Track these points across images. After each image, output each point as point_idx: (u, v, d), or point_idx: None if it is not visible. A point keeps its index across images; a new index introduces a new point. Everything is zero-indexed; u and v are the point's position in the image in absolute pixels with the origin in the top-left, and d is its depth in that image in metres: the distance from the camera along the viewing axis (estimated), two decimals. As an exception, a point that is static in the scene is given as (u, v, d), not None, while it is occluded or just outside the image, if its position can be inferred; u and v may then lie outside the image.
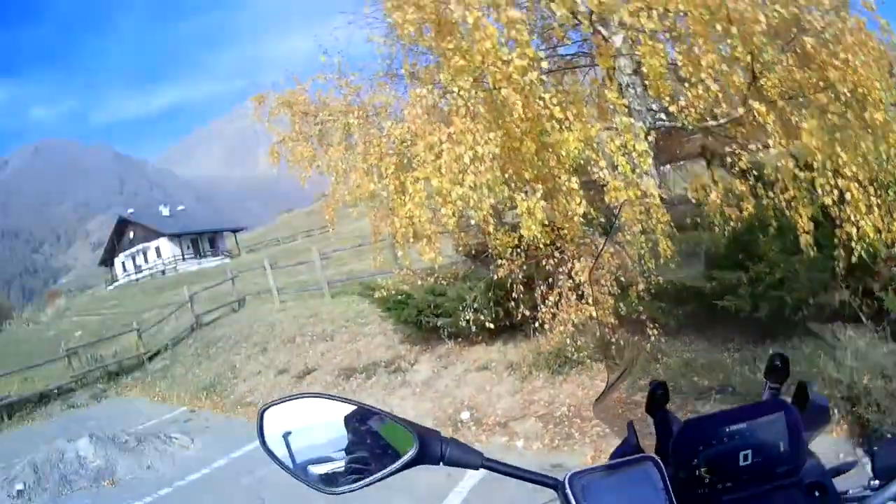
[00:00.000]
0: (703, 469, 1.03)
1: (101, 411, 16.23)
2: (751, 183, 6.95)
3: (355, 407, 1.21)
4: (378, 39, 8.14)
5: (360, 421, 1.22)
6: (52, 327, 39.09)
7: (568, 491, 0.95)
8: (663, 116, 7.61)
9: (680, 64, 6.71)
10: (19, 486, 10.18)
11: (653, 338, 6.75)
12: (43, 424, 16.31)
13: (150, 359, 20.13)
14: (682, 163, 9.18)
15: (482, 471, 4.29)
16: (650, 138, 7.21)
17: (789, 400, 1.20)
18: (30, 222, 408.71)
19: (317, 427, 1.23)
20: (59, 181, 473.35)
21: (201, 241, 67.21)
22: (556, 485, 1.01)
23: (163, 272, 60.66)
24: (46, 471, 10.37)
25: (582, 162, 6.79)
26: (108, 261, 73.56)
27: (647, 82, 7.18)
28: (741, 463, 1.02)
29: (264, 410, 1.27)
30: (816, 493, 1.09)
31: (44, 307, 56.59)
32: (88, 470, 10.32)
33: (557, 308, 7.74)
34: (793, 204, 6.64)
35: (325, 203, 9.21)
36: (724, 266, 6.57)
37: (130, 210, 79.18)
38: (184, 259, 63.01)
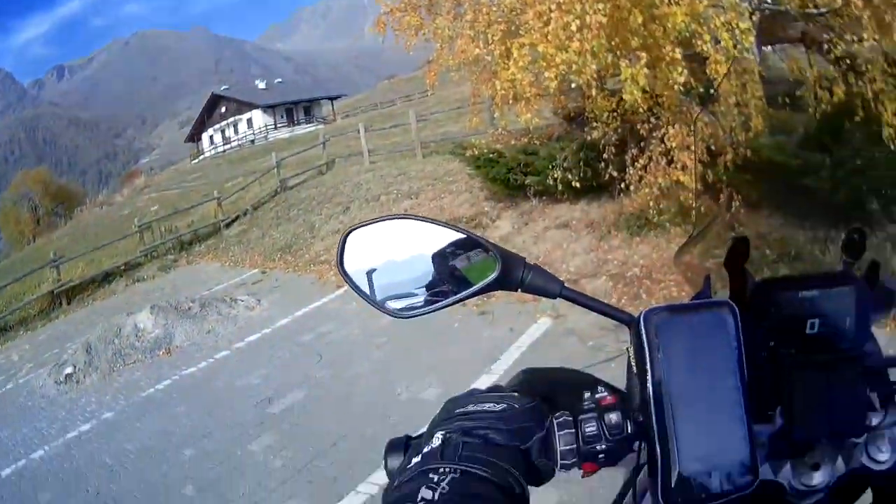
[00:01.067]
0: (772, 329, 0.99)
1: (168, 282, 16.26)
2: (843, 70, 7.26)
3: (443, 228, 1.18)
4: None
5: (446, 245, 1.17)
6: (128, 206, 37.79)
7: (642, 327, 0.88)
8: (769, 1, 7.66)
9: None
10: (68, 370, 9.92)
11: (733, 209, 7.33)
12: (104, 303, 16.21)
13: (228, 225, 19.73)
14: (782, 45, 9.37)
15: (543, 327, 6.24)
16: (754, 18, 7.29)
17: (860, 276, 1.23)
18: (114, 111, 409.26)
19: (398, 251, 1.18)
20: (150, 69, 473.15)
21: (296, 110, 65.64)
22: (630, 321, 0.95)
23: (252, 142, 59.03)
24: (100, 349, 10.16)
25: (687, 35, 6.97)
26: (195, 136, 72.88)
27: (754, -36, 7.16)
28: (808, 331, 0.98)
29: (348, 234, 1.23)
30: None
31: (120, 188, 56.31)
32: (145, 342, 10.19)
33: (646, 171, 7.96)
34: (880, 97, 6.94)
35: (427, 68, 9.28)
36: (809, 147, 6.96)
37: (225, 86, 77.97)
38: (276, 128, 61.38)
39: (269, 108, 63.82)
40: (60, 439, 7.61)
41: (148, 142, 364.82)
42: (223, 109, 68.34)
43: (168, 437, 6.81)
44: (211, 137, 69.38)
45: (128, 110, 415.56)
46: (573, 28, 6.81)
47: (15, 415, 9.15)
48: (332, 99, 70.90)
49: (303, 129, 57.61)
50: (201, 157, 65.94)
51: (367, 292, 1.15)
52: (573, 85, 7.96)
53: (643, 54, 6.99)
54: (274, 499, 4.94)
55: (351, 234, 1.18)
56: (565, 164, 9.17)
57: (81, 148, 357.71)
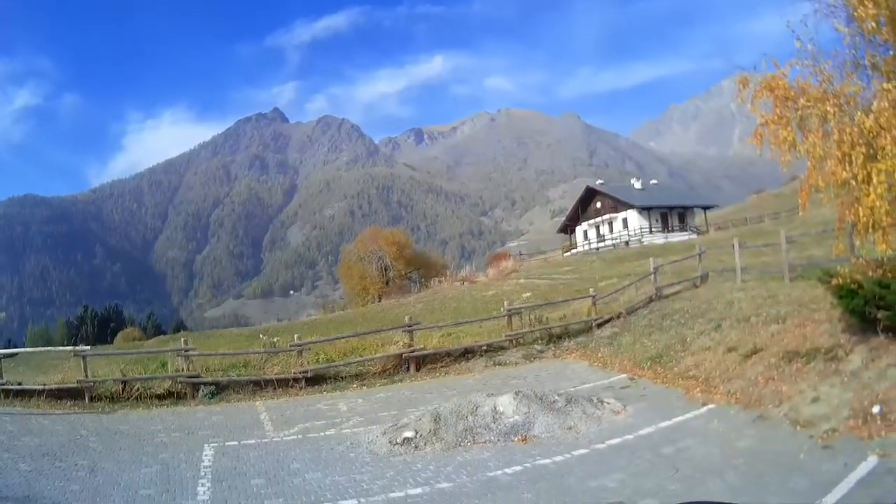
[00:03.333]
0: None
1: (532, 371, 16.58)
2: None
3: None
4: (843, 29, 8.37)
5: None
6: (493, 287, 39.34)
7: None
8: None
9: None
10: (408, 434, 10.33)
11: None
12: (459, 378, 16.61)
13: (600, 325, 20.11)
14: None
15: (872, 463, 6.68)
16: None
17: None
18: (481, 186, 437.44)
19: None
20: (518, 150, 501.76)
21: (670, 215, 66.89)
22: None
23: (626, 243, 61.26)
24: (450, 422, 10.50)
25: None
26: (568, 228, 75.97)
27: None
28: None
29: None
30: None
31: (485, 268, 57.39)
32: (502, 425, 10.43)
33: None
34: None
35: (798, 187, 9.41)
36: None
37: (600, 181, 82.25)
38: (650, 232, 63.15)
39: (644, 210, 65.40)
40: (380, 496, 8.09)
41: (517, 225, 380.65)
42: (598, 205, 70.70)
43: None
44: (585, 232, 72.18)
45: (495, 189, 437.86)
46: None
47: (332, 461, 9.84)
48: (705, 209, 71.42)
49: (676, 237, 58.86)
50: (574, 250, 68.65)
51: None
52: None
53: None
54: None
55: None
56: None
57: (442, 218, 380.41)
